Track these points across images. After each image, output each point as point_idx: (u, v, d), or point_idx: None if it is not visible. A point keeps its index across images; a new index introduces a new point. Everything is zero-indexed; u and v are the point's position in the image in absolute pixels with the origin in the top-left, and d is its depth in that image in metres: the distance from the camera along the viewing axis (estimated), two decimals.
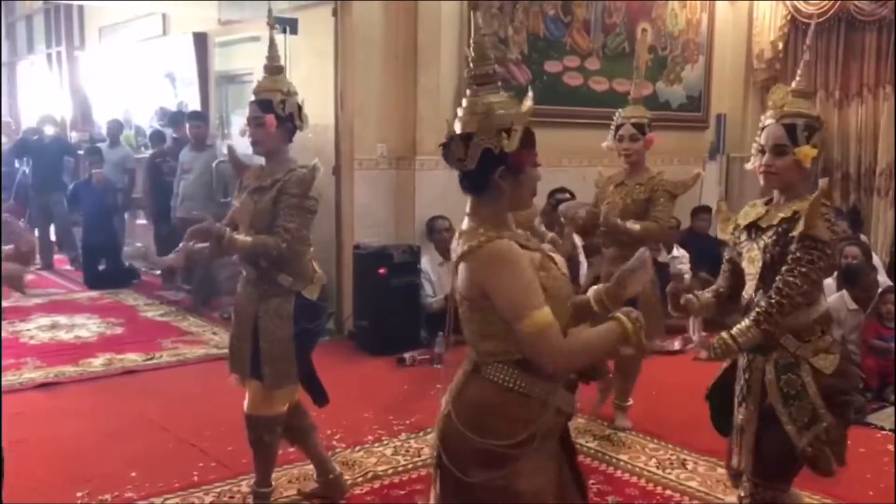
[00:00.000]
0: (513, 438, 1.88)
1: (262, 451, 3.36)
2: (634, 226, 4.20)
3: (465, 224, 1.96)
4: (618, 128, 4.37)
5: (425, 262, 6.04)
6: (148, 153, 8.58)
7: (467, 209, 1.98)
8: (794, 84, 2.79)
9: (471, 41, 2.00)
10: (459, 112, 1.95)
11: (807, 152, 2.62)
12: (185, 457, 3.97)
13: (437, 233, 6.08)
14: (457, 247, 1.95)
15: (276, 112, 3.16)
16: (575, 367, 1.94)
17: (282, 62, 3.37)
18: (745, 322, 2.61)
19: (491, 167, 1.88)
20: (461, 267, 1.91)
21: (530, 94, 2.00)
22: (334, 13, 6.12)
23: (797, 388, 2.62)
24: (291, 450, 4.00)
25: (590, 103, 6.96)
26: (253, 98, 3.22)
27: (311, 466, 3.69)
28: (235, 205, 3.40)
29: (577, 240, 5.66)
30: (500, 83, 1.97)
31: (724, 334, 2.63)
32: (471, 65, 1.97)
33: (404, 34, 6.18)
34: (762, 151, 2.70)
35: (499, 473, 1.89)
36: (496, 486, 1.89)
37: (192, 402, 4.79)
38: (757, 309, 2.60)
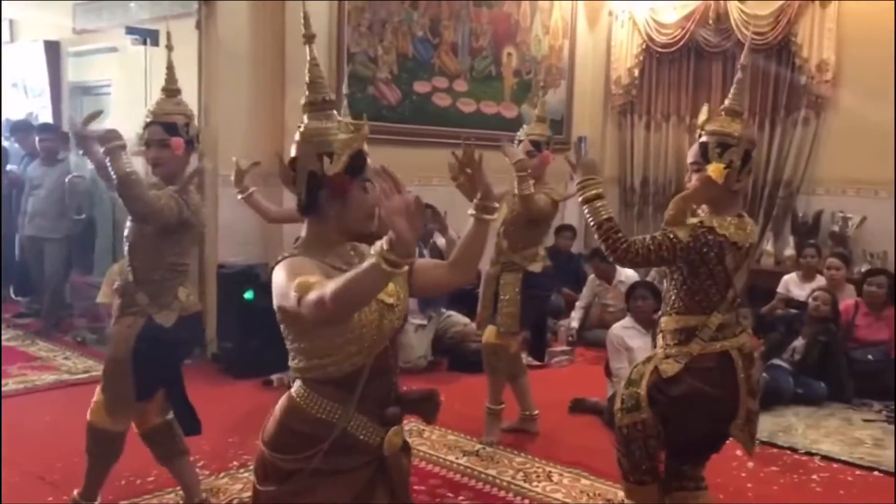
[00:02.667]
0: (293, 454, 1.92)
1: (91, 461, 3.36)
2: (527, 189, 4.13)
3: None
4: (518, 143, 4.41)
5: None
6: None
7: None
8: (726, 103, 2.92)
9: (307, 69, 2.05)
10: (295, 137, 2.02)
11: (714, 168, 2.71)
12: (32, 491, 3.72)
13: None
14: None
15: (181, 135, 3.20)
16: (349, 306, 1.75)
17: (177, 84, 3.50)
18: (603, 214, 2.73)
19: (315, 191, 1.93)
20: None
21: (364, 120, 2.05)
22: (198, 25, 5.95)
23: (637, 377, 2.86)
24: (150, 479, 3.84)
25: (458, 124, 7.08)
26: (151, 119, 3.20)
27: (172, 496, 3.54)
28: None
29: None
30: (332, 111, 2.03)
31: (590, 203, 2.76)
32: (307, 92, 2.03)
33: (272, 47, 6.08)
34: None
35: (284, 488, 1.94)
36: (281, 500, 1.95)
37: (42, 432, 4.49)
38: (610, 227, 2.72)
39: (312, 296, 1.69)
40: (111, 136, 2.96)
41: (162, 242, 3.15)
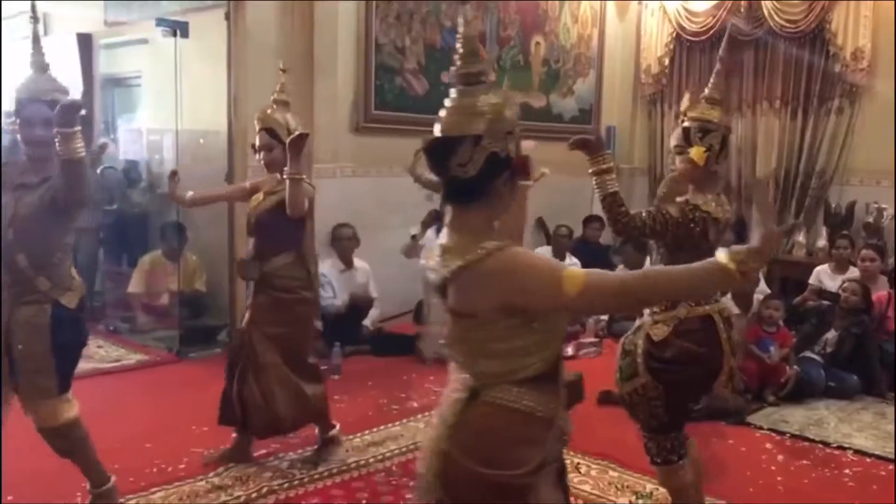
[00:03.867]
0: (526, 465, 1.70)
1: (74, 457, 3.27)
2: None
3: (448, 238, 1.76)
4: None
5: (326, 268, 5.97)
6: None
7: (448, 221, 1.76)
8: (706, 91, 3.10)
9: (458, 35, 1.82)
10: (444, 113, 1.75)
11: (696, 151, 2.92)
12: (68, 477, 3.77)
13: (342, 241, 6.05)
14: (439, 264, 1.75)
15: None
16: (661, 298, 1.89)
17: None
18: (610, 188, 2.92)
19: (495, 173, 1.71)
20: (461, 283, 1.71)
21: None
22: (227, 16, 5.98)
23: (632, 348, 3.02)
24: (181, 466, 3.88)
25: None
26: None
27: (203, 483, 3.58)
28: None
29: None
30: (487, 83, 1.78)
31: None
32: (458, 62, 1.79)
33: (300, 40, 6.10)
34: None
35: (526, 500, 1.72)
36: None
37: None
38: (614, 200, 2.91)
39: (608, 284, 1.65)
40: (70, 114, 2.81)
41: (63, 223, 3.05)
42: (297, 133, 3.58)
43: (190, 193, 4.14)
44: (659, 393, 2.95)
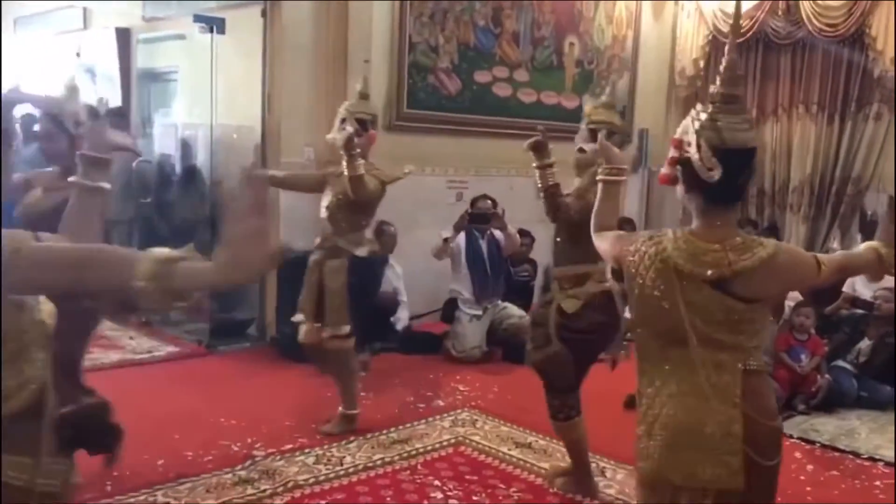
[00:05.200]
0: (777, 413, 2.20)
1: None
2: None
3: (724, 234, 2.07)
4: (342, 122, 4.18)
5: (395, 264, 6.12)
6: None
7: (719, 221, 2.08)
8: (602, 98, 3.66)
9: (724, 60, 2.13)
10: (728, 127, 2.05)
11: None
12: (98, 467, 3.83)
13: (386, 237, 6.08)
14: (728, 257, 2.02)
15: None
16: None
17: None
18: (551, 181, 3.49)
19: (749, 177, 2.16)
20: (762, 274, 2.03)
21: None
22: (263, 14, 6.03)
23: (543, 320, 3.48)
24: (209, 458, 3.93)
25: (518, 114, 7.05)
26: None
27: (230, 476, 3.63)
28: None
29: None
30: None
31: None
32: (719, 83, 2.11)
33: (335, 37, 6.13)
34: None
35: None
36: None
37: None
38: (555, 191, 3.47)
39: (835, 264, 2.16)
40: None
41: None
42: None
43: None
44: (569, 358, 3.40)
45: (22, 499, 1.60)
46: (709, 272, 2.01)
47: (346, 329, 4.21)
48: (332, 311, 4.20)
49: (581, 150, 3.43)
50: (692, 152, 2.05)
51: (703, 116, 2.06)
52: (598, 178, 2.61)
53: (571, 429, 3.59)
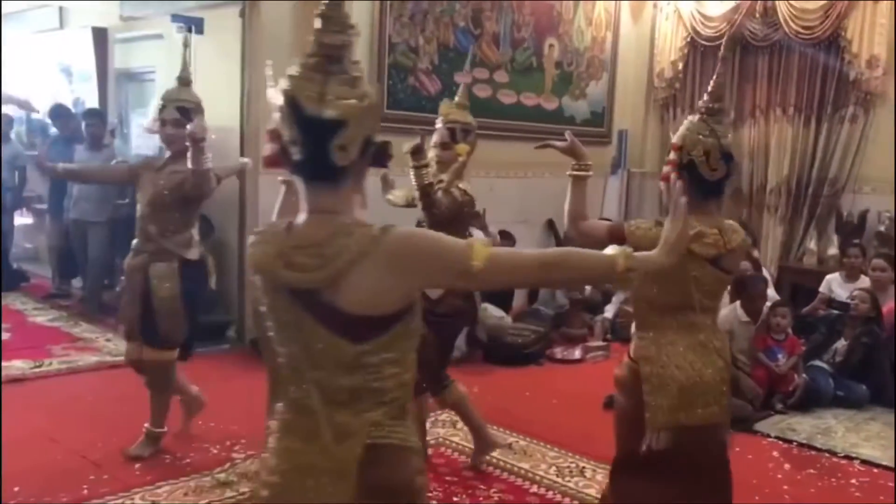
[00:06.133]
0: None
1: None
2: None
3: (716, 220, 2.55)
4: (161, 110, 3.93)
5: None
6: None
7: (713, 211, 2.57)
8: (456, 98, 3.95)
9: (713, 80, 2.62)
10: (695, 134, 2.55)
11: (462, 147, 3.77)
12: (74, 470, 3.80)
13: None
14: (723, 238, 2.53)
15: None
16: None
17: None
18: (426, 180, 3.61)
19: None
20: (739, 252, 2.64)
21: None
22: (242, 14, 6.00)
23: None
24: (187, 461, 3.90)
25: (498, 115, 7.05)
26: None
27: (209, 479, 3.61)
28: None
29: None
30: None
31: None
32: (707, 98, 2.59)
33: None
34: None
35: None
36: None
37: (83, 412, 4.59)
38: (429, 190, 3.62)
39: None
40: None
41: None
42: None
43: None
44: (435, 341, 3.63)
45: (420, 461, 1.73)
46: (713, 252, 2.48)
47: (178, 338, 3.94)
48: (164, 321, 3.83)
49: (444, 147, 3.76)
50: (696, 155, 2.52)
51: (702, 126, 2.53)
52: (570, 173, 2.78)
53: (451, 395, 3.88)
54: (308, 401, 1.57)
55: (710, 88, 2.58)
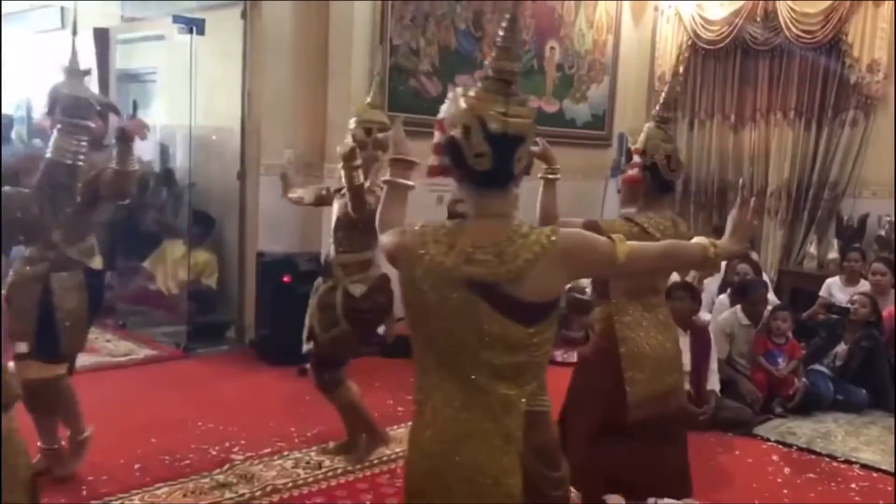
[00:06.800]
0: None
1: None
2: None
3: (671, 214, 2.96)
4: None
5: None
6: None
7: (667, 205, 3.00)
8: (368, 99, 4.02)
9: (662, 95, 3.08)
10: (663, 140, 3.00)
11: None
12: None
13: None
14: (678, 228, 2.94)
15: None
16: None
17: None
18: (357, 181, 3.59)
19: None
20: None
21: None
22: (243, 15, 6.00)
23: (331, 303, 3.80)
24: (186, 462, 3.90)
25: None
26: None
27: (207, 480, 3.61)
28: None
29: None
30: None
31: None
32: (659, 108, 3.08)
33: (315, 39, 6.12)
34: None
35: None
36: None
37: (83, 412, 4.58)
38: (361, 191, 3.63)
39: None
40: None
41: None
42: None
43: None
44: (354, 336, 3.80)
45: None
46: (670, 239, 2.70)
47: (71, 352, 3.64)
48: (68, 335, 3.51)
49: (362, 147, 3.73)
50: (659, 159, 2.94)
51: (661, 133, 2.98)
52: (542, 176, 3.04)
53: (347, 392, 3.95)
54: (476, 376, 1.82)
55: (661, 98, 3.00)
